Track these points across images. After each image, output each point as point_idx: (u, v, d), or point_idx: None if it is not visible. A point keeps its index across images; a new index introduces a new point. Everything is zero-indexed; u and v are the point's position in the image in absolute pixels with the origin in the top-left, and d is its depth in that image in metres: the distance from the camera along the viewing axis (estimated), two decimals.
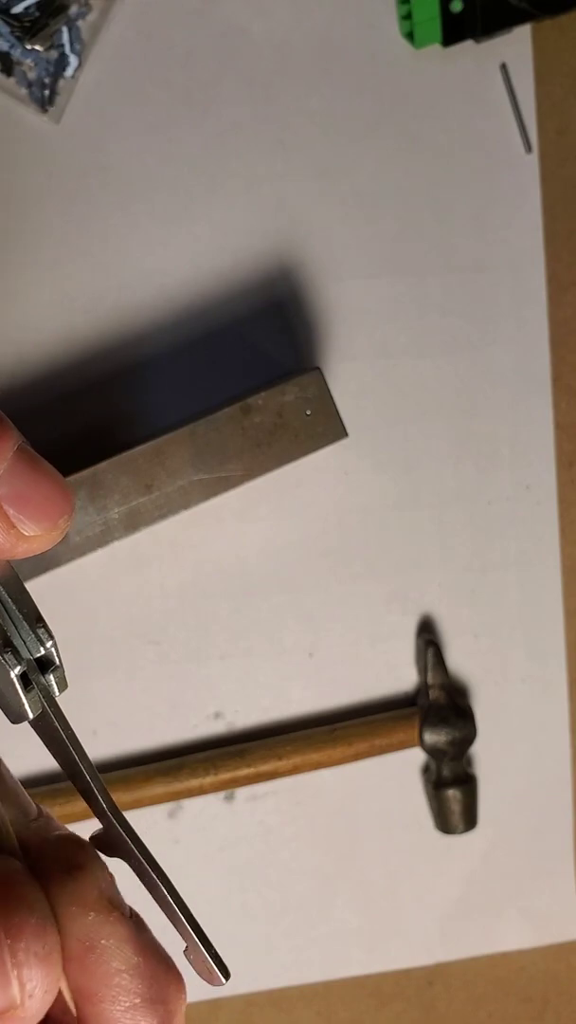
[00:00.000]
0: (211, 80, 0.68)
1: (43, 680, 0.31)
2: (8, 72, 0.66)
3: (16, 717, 0.31)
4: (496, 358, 0.72)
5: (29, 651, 0.30)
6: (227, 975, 0.32)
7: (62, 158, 0.68)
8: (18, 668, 0.30)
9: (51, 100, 0.67)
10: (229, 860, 0.74)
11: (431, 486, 0.73)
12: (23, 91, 0.66)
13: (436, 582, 0.74)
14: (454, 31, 0.67)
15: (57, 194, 0.68)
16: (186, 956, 0.32)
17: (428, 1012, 0.78)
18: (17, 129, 0.67)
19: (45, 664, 0.31)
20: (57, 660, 0.31)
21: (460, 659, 0.75)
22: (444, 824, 0.73)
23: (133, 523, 0.64)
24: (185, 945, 0.32)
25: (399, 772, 0.75)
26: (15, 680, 0.30)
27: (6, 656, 0.29)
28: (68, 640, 0.71)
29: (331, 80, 0.69)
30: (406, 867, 0.76)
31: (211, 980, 0.31)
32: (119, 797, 0.70)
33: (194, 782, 0.70)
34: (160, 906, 0.32)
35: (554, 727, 0.76)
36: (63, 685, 0.32)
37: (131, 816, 0.78)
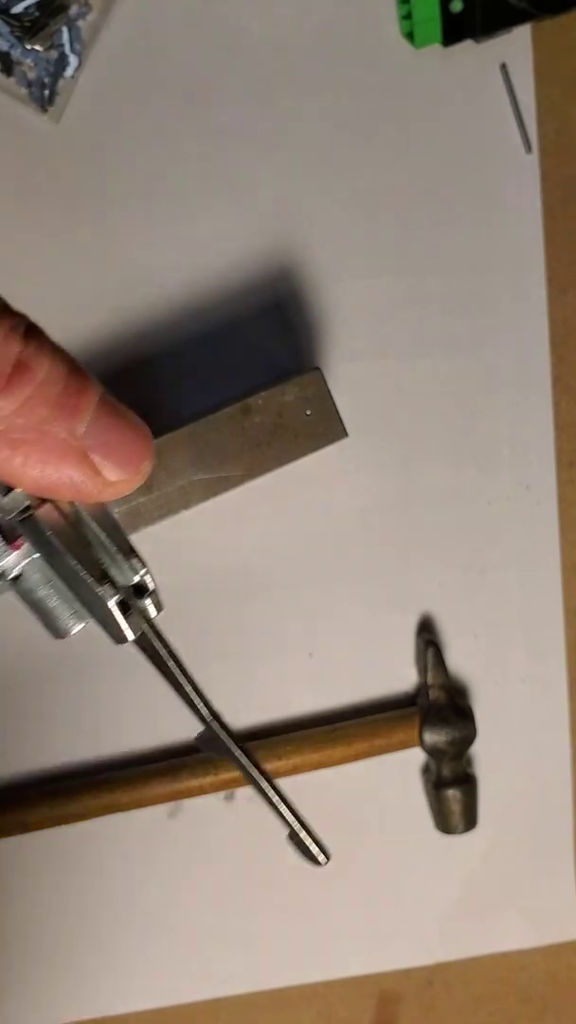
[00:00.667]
0: (211, 80, 0.68)
1: (140, 604, 0.34)
2: (8, 72, 0.66)
3: (118, 639, 0.34)
4: (496, 358, 0.72)
5: (125, 580, 0.33)
6: (327, 855, 0.36)
7: (62, 158, 0.68)
8: (116, 597, 0.33)
9: (51, 100, 0.67)
10: (229, 860, 0.74)
11: (431, 486, 0.73)
12: (23, 91, 0.66)
13: (436, 582, 0.74)
14: (454, 31, 0.67)
15: (57, 194, 0.68)
16: (289, 841, 0.36)
17: (428, 1012, 0.78)
18: (17, 129, 0.67)
19: (141, 590, 0.34)
20: (151, 585, 0.35)
21: (460, 659, 0.75)
22: (444, 824, 0.73)
23: (133, 523, 0.64)
24: (287, 831, 0.36)
25: (399, 772, 0.75)
26: (114, 608, 0.33)
27: (104, 587, 0.32)
28: (68, 640, 0.71)
29: (331, 80, 0.69)
30: (406, 867, 0.76)
31: (313, 860, 0.35)
32: (119, 797, 0.70)
33: (194, 782, 0.70)
34: (263, 799, 0.36)
35: (554, 727, 0.76)
36: (159, 607, 0.36)
37: (131, 816, 0.78)
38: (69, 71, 0.66)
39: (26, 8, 0.65)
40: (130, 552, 0.33)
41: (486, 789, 0.75)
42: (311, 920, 0.76)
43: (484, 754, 0.75)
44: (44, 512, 0.30)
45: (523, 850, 0.77)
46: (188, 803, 0.73)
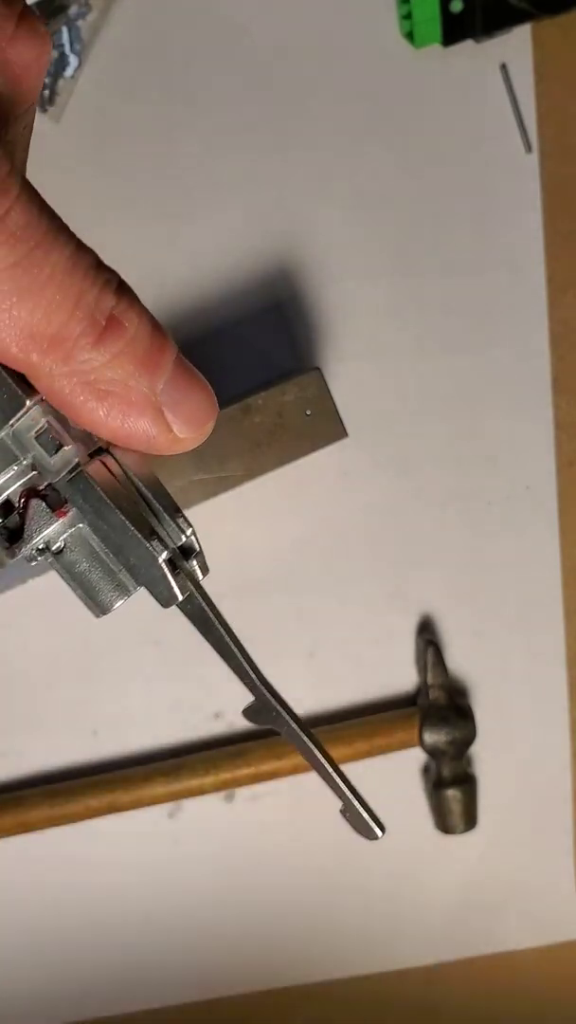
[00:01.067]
0: (211, 80, 0.68)
1: (187, 566, 0.34)
2: None
3: (166, 600, 0.33)
4: (496, 358, 0.72)
5: (172, 540, 0.33)
6: (383, 828, 0.34)
7: (62, 158, 0.68)
8: (165, 554, 0.32)
9: (51, 100, 0.67)
10: (229, 860, 0.74)
11: (431, 486, 0.73)
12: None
13: (436, 582, 0.74)
14: (454, 31, 0.67)
15: (57, 194, 0.68)
16: (343, 815, 0.35)
17: (428, 1012, 0.78)
18: None
19: (187, 551, 0.34)
20: (198, 546, 0.34)
21: (460, 659, 0.75)
22: (444, 824, 0.73)
23: None
24: (341, 804, 0.35)
25: (399, 772, 0.75)
26: (163, 565, 0.32)
27: (153, 544, 0.32)
28: (68, 640, 0.71)
29: (331, 80, 0.69)
30: (406, 867, 0.76)
31: (368, 834, 0.34)
32: (119, 797, 0.70)
33: (194, 782, 0.70)
34: (316, 770, 0.34)
35: (554, 727, 0.76)
36: (205, 569, 0.35)
37: (131, 816, 0.78)
38: (69, 71, 0.66)
39: None
40: (176, 511, 0.33)
41: (486, 789, 0.75)
42: (311, 920, 0.76)
43: (484, 754, 0.75)
44: (93, 469, 0.31)
45: (523, 850, 0.77)
46: (188, 803, 0.73)
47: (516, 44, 0.70)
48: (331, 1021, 0.77)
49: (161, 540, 0.32)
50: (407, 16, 0.67)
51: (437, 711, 0.71)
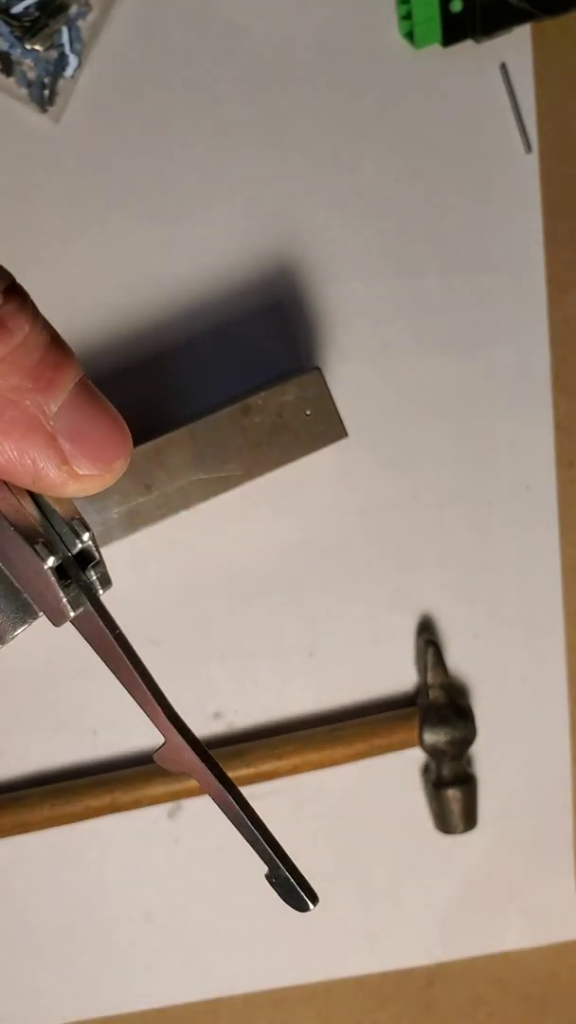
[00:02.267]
0: (211, 80, 0.68)
1: (84, 577, 0.28)
2: (8, 72, 0.66)
3: (56, 617, 0.28)
4: (496, 358, 0.72)
5: (65, 545, 0.27)
6: (315, 899, 0.27)
7: (62, 158, 0.68)
8: (52, 560, 0.27)
9: (51, 100, 0.67)
10: (229, 860, 0.74)
11: (431, 486, 0.73)
12: (23, 91, 0.66)
13: (436, 582, 0.74)
14: (454, 31, 0.67)
15: (57, 194, 0.68)
16: (268, 881, 0.29)
17: (428, 1012, 0.78)
18: (17, 129, 0.67)
19: (85, 560, 0.28)
20: (97, 555, 0.28)
21: (460, 659, 0.75)
22: (444, 824, 0.73)
23: (133, 523, 0.64)
24: (266, 869, 0.28)
25: (399, 772, 0.75)
26: (50, 573, 0.27)
27: (38, 548, 0.26)
28: (68, 640, 0.71)
29: (331, 80, 0.69)
30: (406, 867, 0.76)
31: (297, 906, 0.27)
32: (119, 797, 0.70)
33: (194, 782, 0.70)
34: (235, 826, 0.28)
35: (554, 727, 0.76)
36: (107, 583, 0.29)
37: (131, 816, 0.78)
38: (69, 71, 0.66)
39: (26, 8, 0.65)
40: (72, 514, 0.27)
41: (486, 789, 0.75)
42: (311, 920, 0.76)
43: (484, 754, 0.75)
44: None
45: (523, 850, 0.77)
46: (188, 803, 0.73)
47: (516, 44, 0.70)
48: (331, 1021, 0.77)
49: (49, 544, 0.27)
50: (407, 16, 0.67)
51: (437, 711, 0.71)
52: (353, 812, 0.75)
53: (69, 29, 0.66)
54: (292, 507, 0.72)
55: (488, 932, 0.78)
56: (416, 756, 0.74)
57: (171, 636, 0.72)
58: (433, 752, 0.72)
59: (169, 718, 0.30)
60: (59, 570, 0.27)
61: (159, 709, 0.30)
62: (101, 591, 0.29)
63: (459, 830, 0.73)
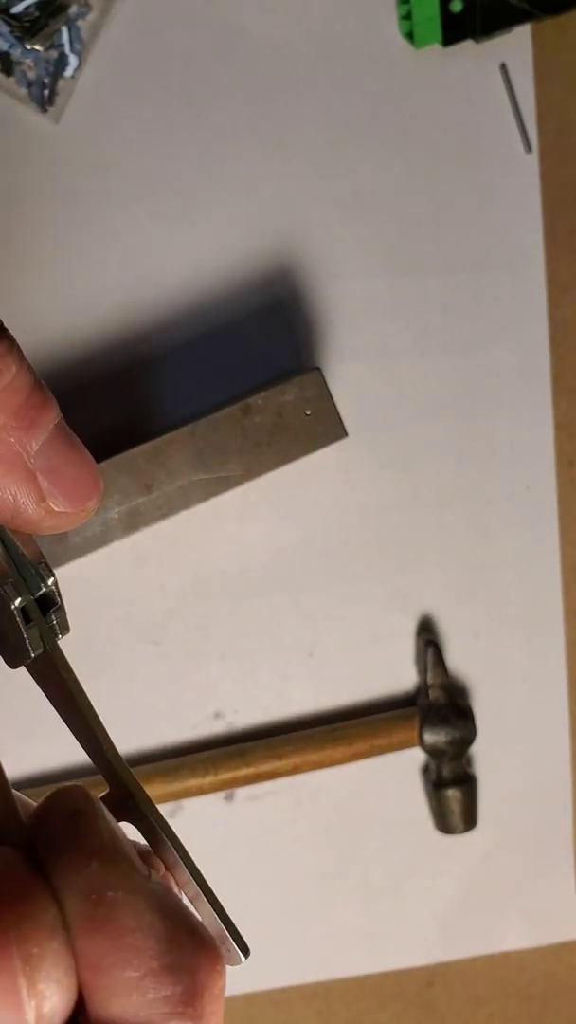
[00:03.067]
0: (211, 80, 0.68)
1: (44, 620, 0.29)
2: (8, 72, 0.66)
3: (16, 655, 0.29)
4: (496, 358, 0.72)
5: (29, 588, 0.28)
6: (247, 953, 0.27)
7: (62, 158, 0.68)
8: (19, 600, 0.28)
9: (51, 100, 0.67)
10: (229, 860, 0.74)
11: (431, 486, 0.73)
12: (23, 91, 0.66)
13: (436, 582, 0.74)
14: (454, 31, 0.67)
15: (57, 194, 0.68)
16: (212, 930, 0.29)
17: (428, 1012, 0.78)
18: (17, 129, 0.67)
19: (46, 604, 0.29)
20: (58, 600, 0.29)
21: (460, 659, 0.75)
22: (444, 824, 0.73)
23: (133, 523, 0.64)
24: (199, 917, 0.27)
25: (399, 772, 0.75)
26: (16, 613, 0.28)
27: (7, 588, 0.27)
28: (68, 640, 0.71)
29: (331, 80, 0.69)
30: (406, 867, 0.76)
31: (229, 959, 0.27)
32: None
33: (194, 782, 0.70)
34: (172, 876, 0.28)
35: (554, 727, 0.76)
36: (64, 628, 0.30)
37: None
38: (69, 71, 0.66)
39: (26, 8, 0.65)
40: (38, 558, 0.28)
41: (486, 789, 0.75)
42: (311, 920, 0.76)
43: (484, 754, 0.75)
44: None
45: (523, 850, 0.77)
46: (188, 803, 0.73)
47: (516, 44, 0.70)
48: (331, 1021, 0.77)
49: (15, 586, 0.28)
50: (407, 16, 0.67)
51: (437, 711, 0.71)
52: (353, 812, 0.75)
53: (69, 29, 0.66)
54: (292, 507, 0.72)
55: (488, 932, 0.78)
56: (416, 756, 0.74)
57: (171, 636, 0.72)
58: (433, 752, 0.72)
59: (116, 767, 0.30)
60: (23, 612, 0.28)
61: (107, 758, 0.30)
62: (60, 636, 0.30)
63: (459, 830, 0.73)
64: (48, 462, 0.26)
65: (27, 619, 0.28)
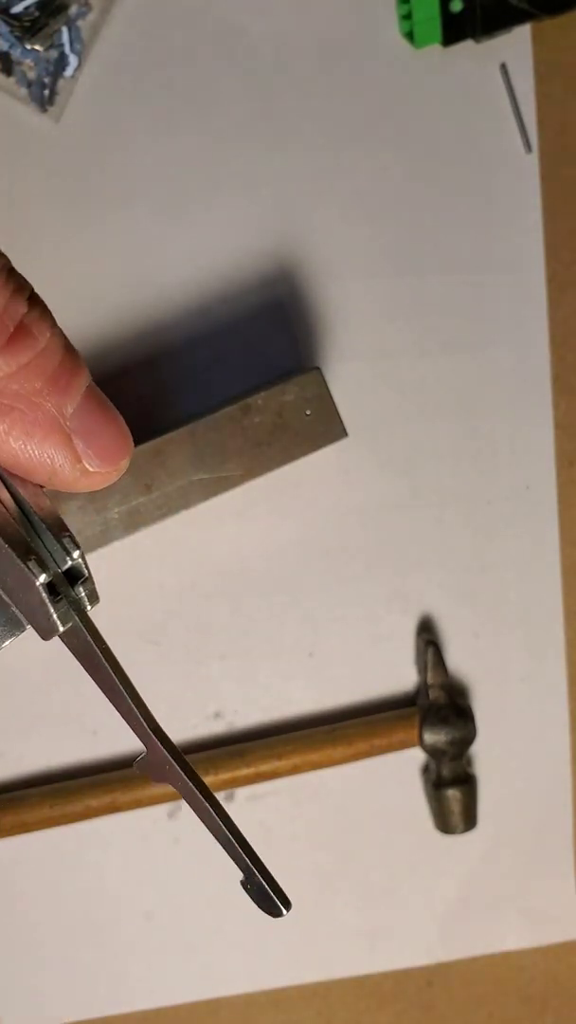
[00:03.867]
0: (211, 80, 0.68)
1: (73, 593, 0.29)
2: (8, 72, 0.66)
3: (45, 632, 0.29)
4: (496, 358, 0.72)
5: (56, 562, 0.29)
6: (288, 905, 0.29)
7: (62, 158, 0.68)
8: (43, 576, 0.28)
9: (51, 100, 0.67)
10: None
11: (431, 486, 0.73)
12: (23, 91, 0.66)
13: (436, 582, 0.74)
14: (454, 31, 0.67)
15: (57, 194, 0.68)
16: (244, 888, 0.30)
17: (428, 1012, 0.78)
18: (17, 129, 0.67)
19: (74, 576, 0.29)
20: (86, 572, 0.30)
21: (460, 659, 0.75)
22: (444, 824, 0.73)
23: (133, 523, 0.64)
24: (241, 876, 0.30)
25: (399, 772, 0.75)
26: (41, 589, 0.28)
27: (30, 565, 0.28)
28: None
29: (331, 80, 0.69)
30: (406, 867, 0.76)
31: (271, 911, 0.29)
32: (119, 797, 0.70)
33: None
34: (213, 835, 0.30)
35: (554, 727, 0.76)
36: (94, 598, 0.30)
37: (131, 816, 0.78)
38: (69, 71, 0.66)
39: (26, 8, 0.65)
40: (62, 530, 0.29)
41: (486, 789, 0.75)
42: (311, 920, 0.76)
43: (484, 754, 0.75)
44: None
45: (523, 850, 0.77)
46: None
47: (516, 44, 0.70)
48: (331, 1021, 0.77)
49: (40, 562, 0.28)
50: (407, 16, 0.67)
51: (437, 711, 0.71)
52: (353, 812, 0.75)
53: (69, 29, 0.66)
54: (292, 507, 0.72)
55: (488, 932, 0.78)
56: (416, 756, 0.74)
57: (171, 636, 0.72)
58: (433, 752, 0.72)
59: (151, 730, 0.30)
60: (49, 586, 0.28)
61: (142, 721, 0.31)
62: (89, 607, 0.30)
63: (459, 830, 0.73)
64: (82, 424, 0.27)
65: (55, 593, 0.29)
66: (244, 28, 0.68)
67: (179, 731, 0.73)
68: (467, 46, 0.69)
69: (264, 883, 0.29)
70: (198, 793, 0.30)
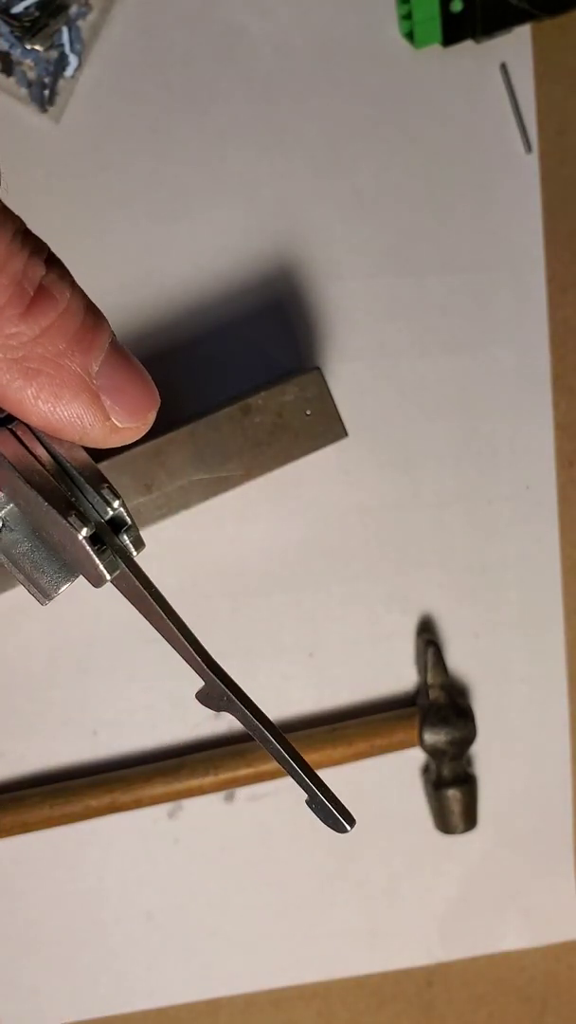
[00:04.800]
0: (211, 80, 0.68)
1: (117, 541, 0.30)
2: (8, 72, 0.66)
3: (95, 580, 0.30)
4: (496, 358, 0.72)
5: (98, 513, 0.29)
6: (351, 822, 0.31)
7: (62, 158, 0.68)
8: (85, 530, 0.29)
9: (51, 100, 0.67)
10: (229, 860, 0.74)
11: (431, 486, 0.73)
12: (23, 91, 0.66)
13: (436, 582, 0.74)
14: (454, 31, 0.67)
15: (57, 194, 0.68)
16: (309, 806, 0.32)
17: (428, 1012, 0.78)
18: (17, 129, 0.67)
19: (117, 525, 0.30)
20: (128, 520, 0.30)
21: (460, 659, 0.75)
22: (444, 824, 0.73)
23: None
24: (306, 796, 0.31)
25: (399, 772, 0.75)
26: (85, 543, 0.29)
27: (71, 519, 0.28)
28: (69, 640, 0.71)
29: (331, 80, 0.69)
30: (406, 867, 0.76)
31: (336, 827, 0.30)
32: (119, 797, 0.70)
33: (194, 782, 0.70)
34: (275, 759, 0.31)
35: (554, 727, 0.76)
36: (140, 545, 0.31)
37: (131, 816, 0.78)
38: (69, 71, 0.66)
39: (26, 8, 0.65)
40: (101, 481, 0.29)
41: (486, 789, 0.75)
42: (311, 920, 0.76)
43: (484, 754, 0.75)
44: (1, 441, 0.28)
45: (523, 850, 0.77)
46: (188, 803, 0.73)
47: (516, 44, 0.70)
48: (331, 1021, 0.77)
49: (82, 515, 0.29)
50: (407, 16, 0.67)
51: (437, 711, 0.71)
52: (353, 812, 0.75)
53: (69, 29, 0.66)
54: (292, 507, 0.72)
55: (488, 932, 0.78)
56: (416, 756, 0.74)
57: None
58: (433, 752, 0.72)
59: (207, 665, 0.33)
60: (94, 537, 0.29)
61: (197, 658, 0.33)
62: (135, 553, 0.31)
63: (459, 830, 0.73)
64: (109, 381, 0.27)
65: (100, 543, 0.29)
66: (244, 28, 0.68)
67: (180, 731, 0.73)
68: (467, 46, 0.69)
69: (327, 802, 0.31)
70: (256, 722, 0.31)
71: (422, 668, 0.73)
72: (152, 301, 0.69)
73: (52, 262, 0.27)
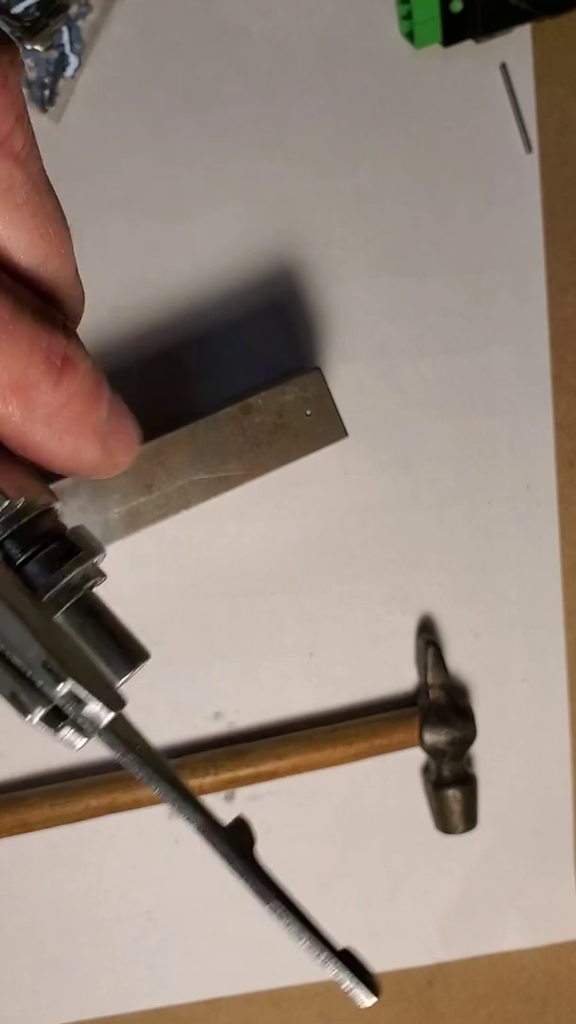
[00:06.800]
0: (211, 80, 0.68)
1: (85, 712, 0.29)
2: None
3: (67, 745, 0.30)
4: (496, 358, 0.72)
5: (44, 697, 0.28)
6: (376, 992, 0.29)
7: (62, 158, 0.68)
8: (34, 715, 0.28)
9: (51, 100, 0.67)
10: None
11: (431, 486, 0.73)
12: (23, 91, 0.66)
13: (436, 582, 0.74)
14: (454, 31, 0.67)
15: (57, 194, 0.68)
16: (333, 978, 0.31)
17: (428, 1012, 0.78)
18: None
19: (76, 698, 0.28)
20: (82, 694, 0.28)
21: (460, 659, 0.75)
22: (444, 824, 0.73)
23: (133, 523, 0.64)
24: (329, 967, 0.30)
25: (399, 772, 0.75)
26: (40, 726, 0.28)
27: (23, 700, 0.27)
28: None
29: (331, 80, 0.69)
30: (406, 867, 0.76)
31: (356, 1000, 0.29)
32: (119, 797, 0.70)
33: (194, 782, 0.70)
34: (288, 926, 0.30)
35: (554, 727, 0.76)
36: (117, 704, 0.30)
37: (131, 816, 0.78)
38: (69, 71, 0.66)
39: (26, 8, 0.65)
40: (43, 663, 0.27)
41: (486, 789, 0.75)
42: (311, 920, 0.76)
43: (484, 754, 0.75)
44: None
45: (523, 850, 0.77)
46: None
47: (516, 44, 0.70)
48: (331, 1021, 0.77)
49: (22, 705, 0.27)
50: (407, 16, 0.67)
51: (437, 711, 0.71)
52: (353, 812, 0.75)
53: (69, 29, 0.66)
54: (292, 507, 0.72)
55: (488, 932, 0.78)
56: (416, 756, 0.74)
57: (171, 636, 0.72)
58: (433, 752, 0.72)
59: (203, 820, 0.31)
60: (55, 711, 0.28)
61: (192, 813, 0.31)
62: (104, 724, 0.29)
63: (459, 830, 0.73)
64: (110, 425, 0.30)
65: (58, 720, 0.28)
66: (244, 28, 0.68)
67: (179, 731, 0.73)
68: (467, 46, 0.69)
69: (352, 973, 0.29)
70: (254, 878, 0.30)
71: (422, 668, 0.73)
72: (152, 301, 0.69)
73: (68, 330, 0.29)
